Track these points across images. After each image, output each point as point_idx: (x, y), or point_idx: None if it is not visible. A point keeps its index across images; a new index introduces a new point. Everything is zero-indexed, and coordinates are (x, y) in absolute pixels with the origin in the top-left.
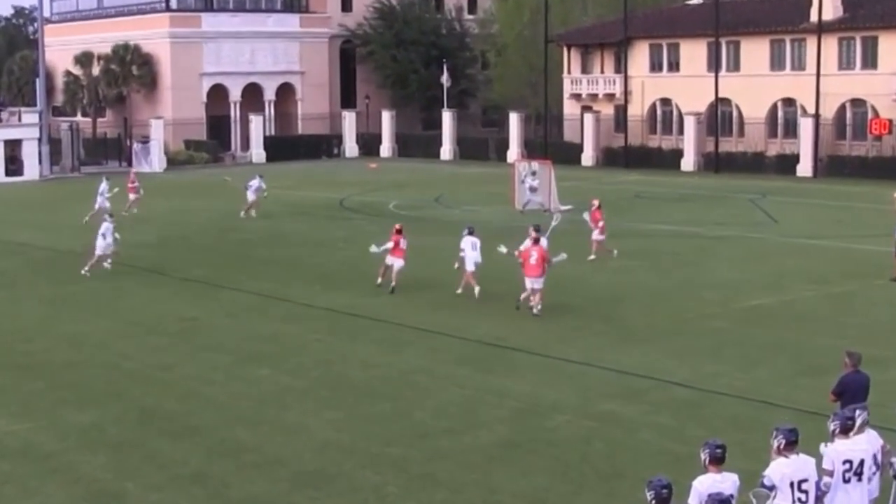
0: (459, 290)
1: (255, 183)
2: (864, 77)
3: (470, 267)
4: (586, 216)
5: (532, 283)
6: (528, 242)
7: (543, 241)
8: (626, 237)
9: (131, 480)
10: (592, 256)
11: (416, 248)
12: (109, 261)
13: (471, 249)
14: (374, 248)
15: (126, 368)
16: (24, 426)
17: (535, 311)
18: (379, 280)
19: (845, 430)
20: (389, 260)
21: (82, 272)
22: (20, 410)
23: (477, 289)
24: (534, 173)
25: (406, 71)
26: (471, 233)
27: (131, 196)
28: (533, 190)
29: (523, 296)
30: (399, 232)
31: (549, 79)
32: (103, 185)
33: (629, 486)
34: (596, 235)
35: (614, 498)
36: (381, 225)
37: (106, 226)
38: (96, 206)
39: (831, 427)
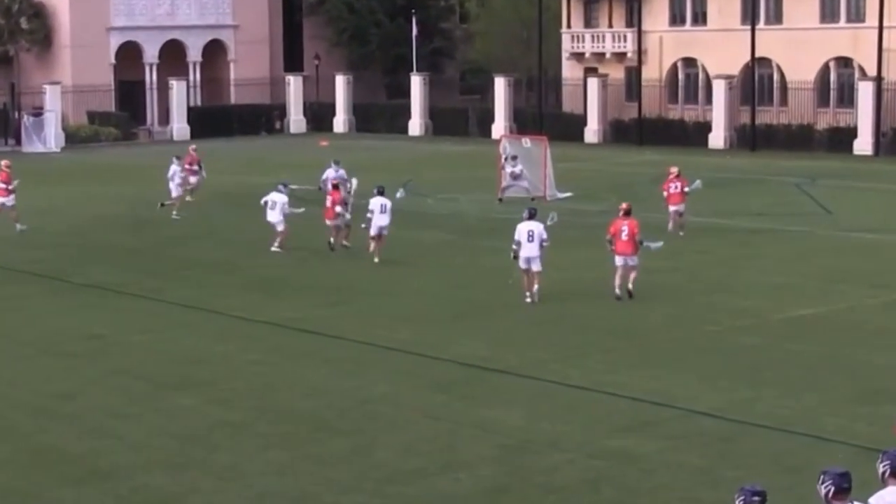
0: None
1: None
2: None
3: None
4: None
5: (625, 260)
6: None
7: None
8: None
9: None
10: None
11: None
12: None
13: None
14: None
15: (15, 399)
16: None
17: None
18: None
19: None
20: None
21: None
22: None
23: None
24: (514, 157)
25: (366, 24)
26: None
27: (192, 179)
28: (515, 176)
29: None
30: (336, 188)
31: (545, 34)
32: (173, 168)
33: None
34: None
35: None
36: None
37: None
38: (173, 194)
39: (881, 469)
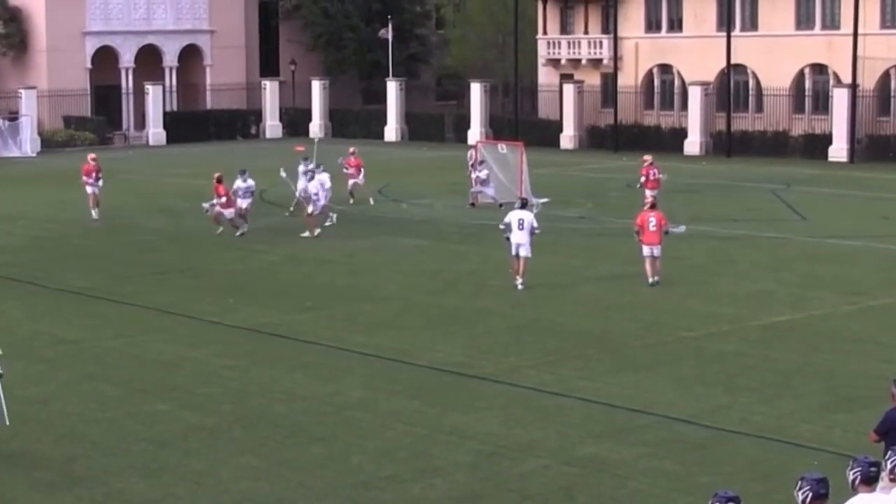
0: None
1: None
2: None
3: (513, 250)
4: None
5: (651, 250)
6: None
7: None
8: (614, 237)
9: None
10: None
11: (354, 252)
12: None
13: (517, 229)
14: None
15: None
16: None
17: (519, 286)
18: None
19: (868, 481)
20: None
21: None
22: None
23: (519, 283)
24: (481, 163)
25: (341, 29)
26: (523, 206)
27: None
28: (481, 182)
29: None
30: (220, 181)
31: (521, 40)
32: (302, 167)
33: None
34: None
35: None
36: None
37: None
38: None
39: (851, 476)
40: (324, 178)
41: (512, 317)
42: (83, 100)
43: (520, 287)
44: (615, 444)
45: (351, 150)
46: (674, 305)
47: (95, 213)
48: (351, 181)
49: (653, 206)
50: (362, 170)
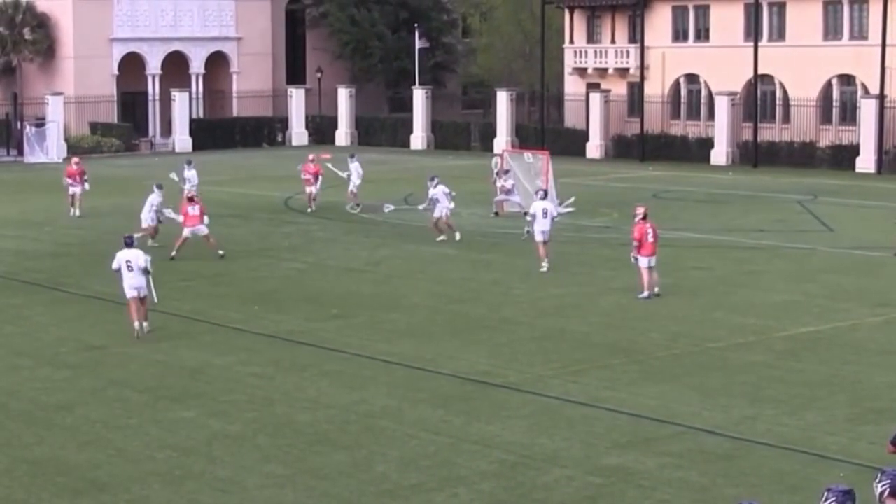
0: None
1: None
2: None
3: (538, 236)
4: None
5: (649, 261)
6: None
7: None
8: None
9: None
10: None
11: (380, 260)
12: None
13: (542, 217)
14: (170, 213)
15: (14, 410)
16: None
17: (545, 268)
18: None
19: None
20: (187, 231)
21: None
22: None
23: (545, 266)
24: (507, 172)
25: (368, 37)
26: (543, 197)
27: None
28: (506, 191)
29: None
30: (191, 200)
31: (547, 49)
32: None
33: None
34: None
35: None
36: (334, 230)
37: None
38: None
39: (879, 488)
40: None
41: (537, 326)
42: (110, 106)
43: (545, 269)
44: (640, 455)
45: (310, 157)
46: (700, 316)
47: (75, 211)
48: (308, 188)
49: (644, 218)
50: (320, 178)
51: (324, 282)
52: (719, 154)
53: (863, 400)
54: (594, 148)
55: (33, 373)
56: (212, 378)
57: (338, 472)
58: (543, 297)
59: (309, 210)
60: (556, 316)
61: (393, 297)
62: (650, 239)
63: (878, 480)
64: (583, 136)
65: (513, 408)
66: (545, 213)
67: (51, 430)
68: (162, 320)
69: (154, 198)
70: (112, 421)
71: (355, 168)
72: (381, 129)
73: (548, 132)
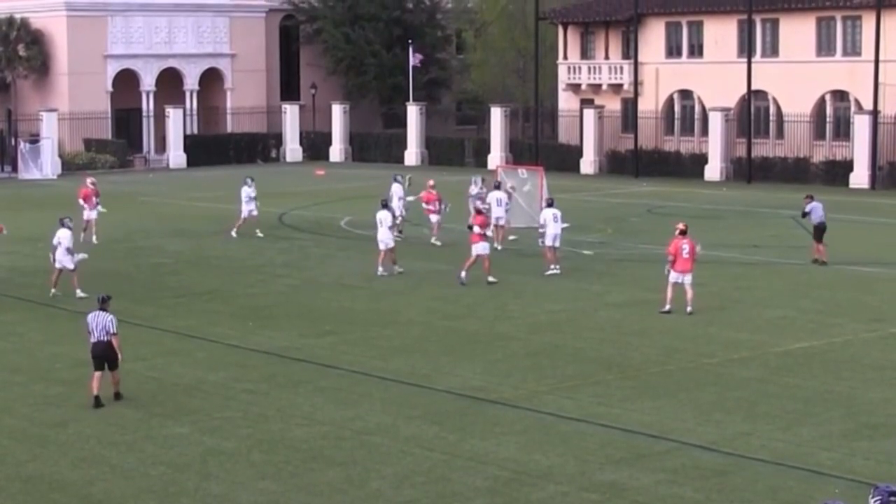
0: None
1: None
2: None
3: (549, 241)
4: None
5: (682, 277)
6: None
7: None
8: (634, 263)
9: None
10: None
11: (374, 276)
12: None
13: (552, 221)
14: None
15: (7, 426)
16: None
17: (556, 270)
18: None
19: None
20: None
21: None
22: None
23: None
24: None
25: (362, 54)
26: (550, 204)
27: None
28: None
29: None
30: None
31: (541, 65)
32: (394, 187)
33: None
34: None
35: None
36: (329, 247)
37: None
38: (399, 211)
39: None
40: None
41: (531, 342)
42: (104, 122)
43: (557, 271)
44: (634, 471)
45: (430, 183)
46: (694, 332)
47: (93, 238)
48: (432, 217)
49: (683, 233)
50: (443, 205)
51: (318, 298)
52: (713, 170)
53: (857, 415)
54: (588, 164)
55: (27, 389)
56: (206, 394)
57: (332, 489)
58: (537, 312)
59: (433, 240)
60: (550, 331)
61: (387, 313)
62: (685, 255)
63: (871, 496)
64: (577, 151)
65: (507, 424)
66: (556, 218)
67: (45, 447)
68: (156, 336)
69: (247, 190)
70: (106, 437)
71: (396, 190)
72: (375, 146)
73: (542, 148)
